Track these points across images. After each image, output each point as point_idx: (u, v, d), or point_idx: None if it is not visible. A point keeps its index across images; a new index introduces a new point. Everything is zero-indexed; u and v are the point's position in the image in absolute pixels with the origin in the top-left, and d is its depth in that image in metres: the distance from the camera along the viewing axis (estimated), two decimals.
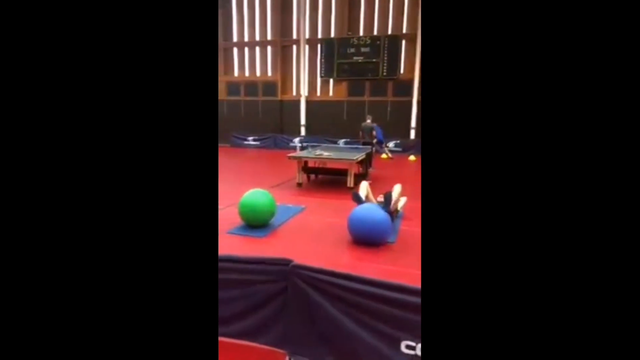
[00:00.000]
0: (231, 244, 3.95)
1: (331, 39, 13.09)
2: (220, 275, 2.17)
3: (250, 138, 14.16)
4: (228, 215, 4.79)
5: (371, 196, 4.85)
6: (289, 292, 2.07)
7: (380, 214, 3.95)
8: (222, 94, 14.84)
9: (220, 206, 5.28)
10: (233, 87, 14.79)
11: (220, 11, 14.18)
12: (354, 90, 13.23)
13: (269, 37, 14.08)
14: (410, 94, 12.15)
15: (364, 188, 4.81)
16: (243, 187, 5.01)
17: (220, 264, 2.18)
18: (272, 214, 4.46)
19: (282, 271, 2.06)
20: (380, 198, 4.68)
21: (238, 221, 4.47)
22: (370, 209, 4.07)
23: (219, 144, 13.90)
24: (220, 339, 2.22)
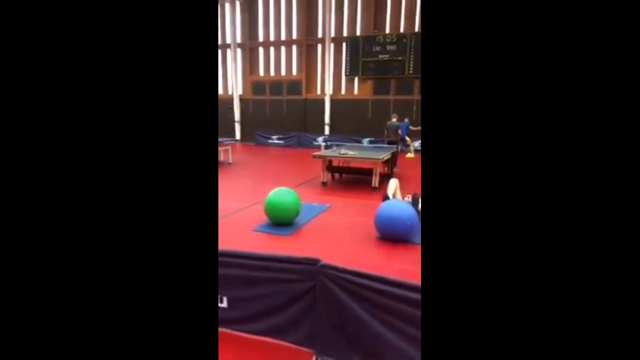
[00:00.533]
0: (257, 241, 4.00)
1: (357, 37, 13.00)
2: (248, 273, 2.21)
3: (275, 137, 14.30)
4: (254, 214, 4.86)
5: (399, 195, 4.79)
6: (317, 292, 2.07)
7: (409, 210, 3.94)
8: (247, 93, 15.07)
9: (245, 204, 5.37)
10: (258, 87, 14.99)
11: (246, 12, 14.40)
12: (379, 88, 13.10)
13: (294, 37, 14.16)
14: None
15: (392, 185, 4.76)
16: (268, 186, 5.07)
17: (248, 262, 2.21)
18: (297, 213, 4.49)
19: (310, 270, 2.06)
20: (408, 198, 4.63)
21: (264, 219, 4.52)
22: (399, 205, 4.05)
23: (245, 143, 14.18)
24: (247, 336, 2.26)
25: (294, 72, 14.47)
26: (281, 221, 4.40)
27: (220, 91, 15.97)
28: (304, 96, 14.22)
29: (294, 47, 14.27)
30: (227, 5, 14.34)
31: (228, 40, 14.87)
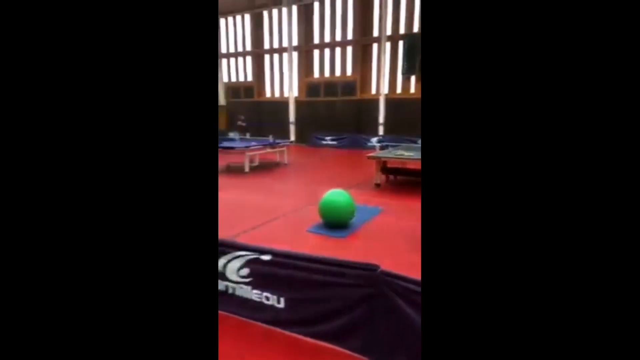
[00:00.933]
0: (312, 242, 4.00)
1: (414, 34, 12.59)
2: (306, 275, 2.19)
3: (328, 138, 14.35)
4: (307, 214, 4.88)
5: None
6: (375, 299, 1.99)
7: None
8: (302, 95, 15.31)
9: (299, 205, 5.42)
10: (313, 88, 15.16)
11: (303, 16, 14.63)
12: None
13: (349, 37, 14.09)
14: None
15: None
16: (321, 187, 5.07)
17: (305, 264, 2.19)
18: (352, 215, 4.42)
19: (369, 277, 1.99)
20: None
21: (317, 219, 4.52)
22: None
23: (299, 144, 14.41)
24: (302, 338, 2.24)
25: (349, 72, 14.41)
26: (336, 223, 4.35)
27: (277, 94, 16.43)
28: (358, 96, 14.10)
29: (349, 48, 14.21)
30: (285, 10, 14.69)
31: (284, 44, 15.23)
